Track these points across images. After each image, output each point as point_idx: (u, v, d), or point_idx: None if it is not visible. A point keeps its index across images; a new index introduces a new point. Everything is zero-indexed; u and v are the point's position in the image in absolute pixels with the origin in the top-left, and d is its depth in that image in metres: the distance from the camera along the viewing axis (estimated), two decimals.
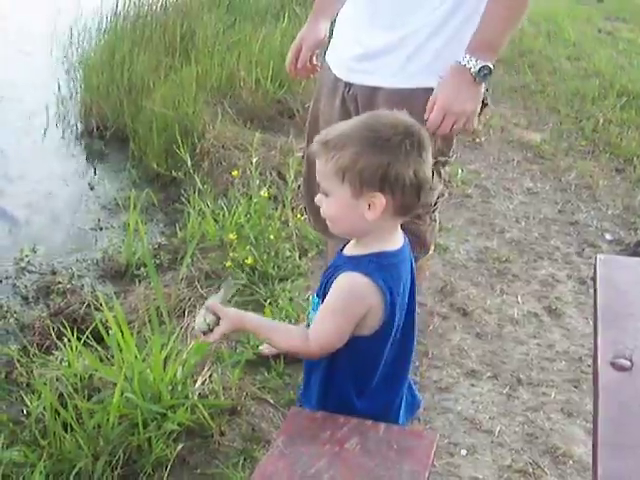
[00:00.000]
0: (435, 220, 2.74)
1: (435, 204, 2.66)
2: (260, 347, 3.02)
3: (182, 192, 4.51)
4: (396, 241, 1.77)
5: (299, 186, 3.96)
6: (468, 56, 2.29)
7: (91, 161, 5.43)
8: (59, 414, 2.52)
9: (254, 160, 4.09)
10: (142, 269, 3.77)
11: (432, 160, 1.75)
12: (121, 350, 2.67)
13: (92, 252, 4.12)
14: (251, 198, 4.06)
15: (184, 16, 7.20)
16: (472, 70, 2.28)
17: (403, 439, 1.81)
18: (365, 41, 2.45)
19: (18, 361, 3.03)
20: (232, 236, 3.71)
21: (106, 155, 5.49)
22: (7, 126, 5.92)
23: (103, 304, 2.81)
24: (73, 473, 2.43)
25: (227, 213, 3.98)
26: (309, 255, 3.82)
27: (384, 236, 1.73)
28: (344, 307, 1.69)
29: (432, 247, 2.80)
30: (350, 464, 1.70)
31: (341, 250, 1.82)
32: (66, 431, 2.51)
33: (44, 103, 6.20)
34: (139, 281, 3.66)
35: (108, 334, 2.75)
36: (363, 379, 1.84)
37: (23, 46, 7.80)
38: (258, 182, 4.16)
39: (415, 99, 2.33)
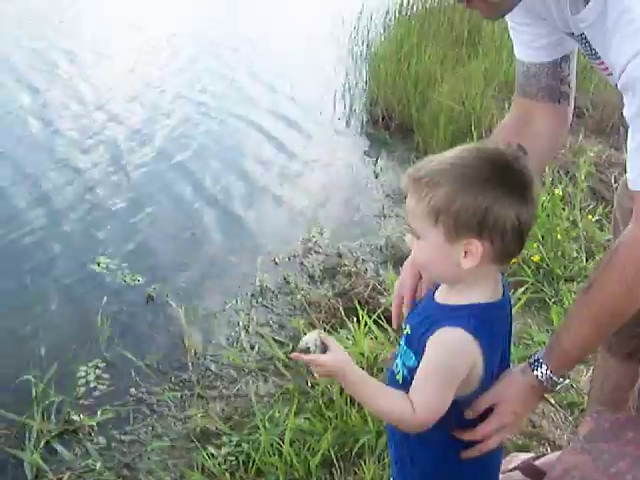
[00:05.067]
0: None
1: None
2: None
3: None
4: (497, 291, 1.55)
5: (589, 187, 3.85)
6: None
7: (376, 150, 5.57)
8: None
9: None
10: None
11: None
12: None
13: (376, 238, 4.24)
14: (538, 196, 3.97)
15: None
16: None
17: None
18: None
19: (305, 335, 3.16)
20: None
21: (390, 145, 5.61)
22: (297, 112, 6.22)
23: (392, 289, 2.88)
24: (356, 447, 2.54)
25: None
26: (596, 257, 3.69)
27: (483, 285, 1.52)
28: (449, 369, 1.48)
29: None
30: None
31: (432, 294, 1.60)
32: (352, 405, 2.62)
33: (332, 92, 6.46)
34: None
35: None
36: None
37: (311, 34, 8.13)
38: (551, 179, 4.09)
39: None
